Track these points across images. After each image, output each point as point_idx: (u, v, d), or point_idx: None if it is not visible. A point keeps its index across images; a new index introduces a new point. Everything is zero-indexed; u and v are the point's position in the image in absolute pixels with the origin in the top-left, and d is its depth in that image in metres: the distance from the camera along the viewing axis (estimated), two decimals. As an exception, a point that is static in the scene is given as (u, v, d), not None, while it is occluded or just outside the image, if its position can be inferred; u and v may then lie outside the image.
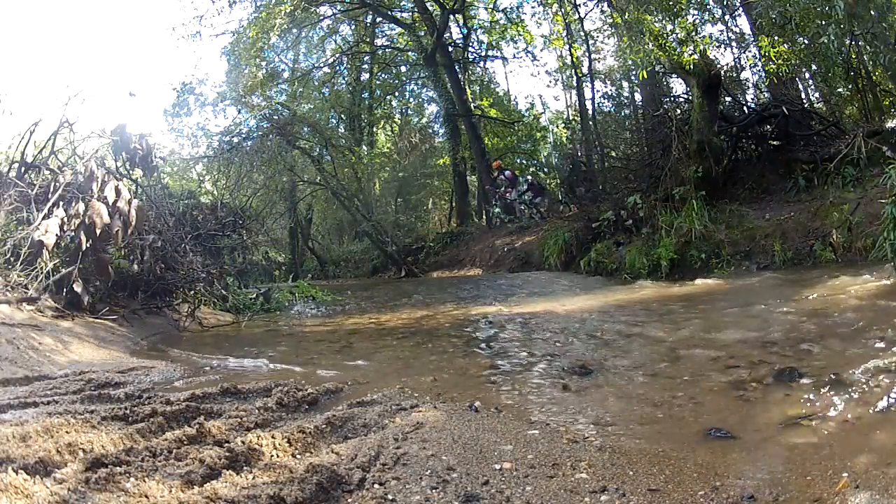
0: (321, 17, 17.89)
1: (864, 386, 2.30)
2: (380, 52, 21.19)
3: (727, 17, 11.86)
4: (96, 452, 1.77)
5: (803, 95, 11.64)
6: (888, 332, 3.08)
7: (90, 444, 1.83)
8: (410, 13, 18.83)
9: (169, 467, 1.68)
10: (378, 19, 19.94)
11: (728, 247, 7.56)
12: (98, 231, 4.79)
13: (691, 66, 8.23)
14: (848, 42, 9.87)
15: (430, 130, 22.59)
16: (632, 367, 3.15)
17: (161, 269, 5.82)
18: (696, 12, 9.91)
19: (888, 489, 1.43)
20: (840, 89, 11.60)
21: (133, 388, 2.77)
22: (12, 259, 4.63)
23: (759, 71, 11.83)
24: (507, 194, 14.76)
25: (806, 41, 9.85)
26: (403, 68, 21.85)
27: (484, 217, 17.92)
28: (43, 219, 4.69)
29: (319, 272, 17.92)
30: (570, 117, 20.29)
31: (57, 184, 4.99)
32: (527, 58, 20.48)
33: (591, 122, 15.89)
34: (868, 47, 10.68)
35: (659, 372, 2.99)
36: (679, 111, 9.83)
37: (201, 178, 16.68)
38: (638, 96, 16.56)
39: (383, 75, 21.99)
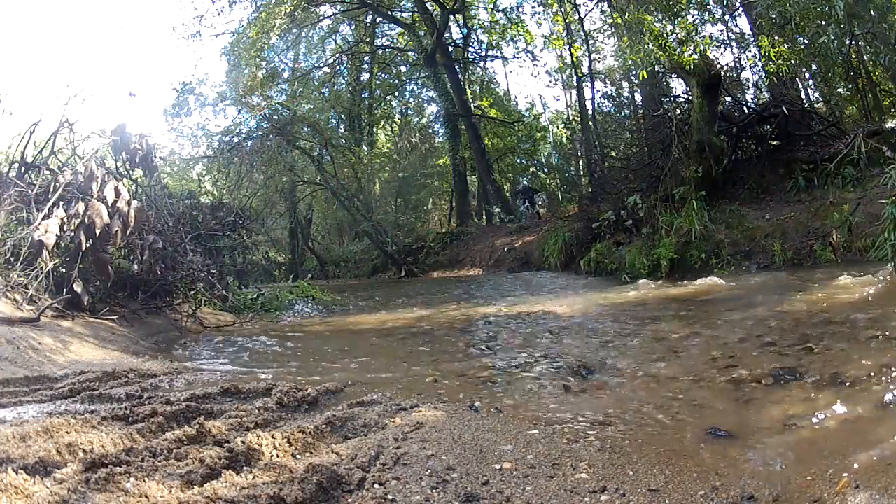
0: (321, 17, 17.91)
1: (864, 385, 2.30)
2: (380, 52, 21.21)
3: (727, 17, 11.86)
4: (96, 452, 1.77)
5: (803, 95, 11.63)
6: (887, 331, 3.08)
7: (90, 444, 1.83)
8: (410, 13, 18.84)
9: (169, 467, 1.68)
10: (378, 19, 19.96)
11: (728, 247, 7.56)
12: (98, 231, 4.79)
13: (691, 66, 8.22)
14: (848, 42, 9.87)
15: (430, 130, 22.59)
16: (632, 367, 3.15)
17: (161, 269, 5.82)
18: (696, 12, 9.90)
19: (888, 489, 1.43)
20: (840, 89, 11.60)
21: (133, 388, 2.77)
22: (12, 259, 4.63)
23: (759, 71, 11.82)
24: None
25: (806, 41, 9.85)
26: (403, 68, 21.87)
27: (484, 217, 17.94)
28: (43, 219, 4.69)
29: (319, 272, 17.92)
30: (570, 117, 20.29)
31: (57, 184, 4.99)
32: (527, 58, 20.52)
33: (591, 122, 15.89)
34: (868, 47, 10.68)
35: (659, 372, 2.99)
36: (679, 111, 9.83)
37: (201, 178, 16.70)
38: (638, 96, 16.56)
39: (383, 75, 22.01)
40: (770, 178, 8.80)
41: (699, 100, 8.66)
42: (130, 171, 6.19)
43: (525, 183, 18.49)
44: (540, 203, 15.78)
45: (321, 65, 19.99)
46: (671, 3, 8.70)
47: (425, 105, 22.91)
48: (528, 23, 19.66)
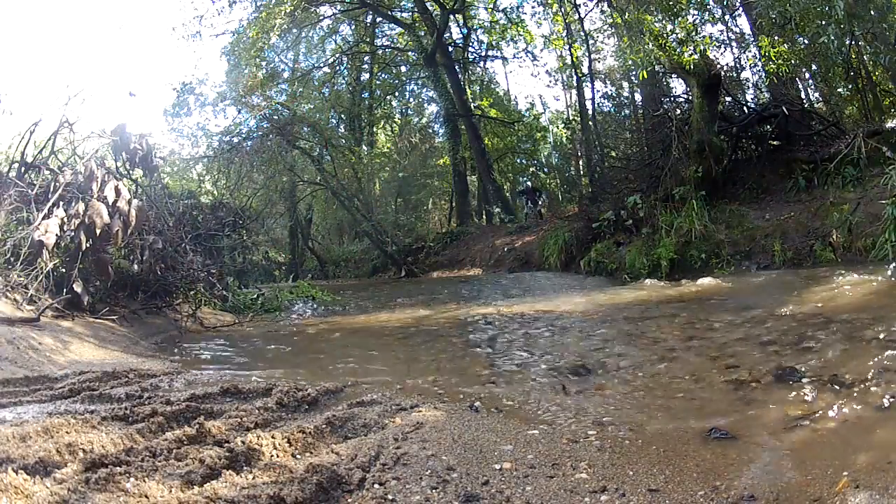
0: (321, 17, 17.91)
1: (864, 386, 2.30)
2: (380, 52, 21.21)
3: (727, 17, 11.86)
4: (96, 452, 1.77)
5: (803, 95, 11.63)
6: (887, 331, 3.08)
7: (90, 444, 1.83)
8: (410, 13, 18.85)
9: (169, 467, 1.68)
10: (378, 19, 19.96)
11: (728, 247, 7.56)
12: (98, 231, 4.79)
13: (691, 66, 8.22)
14: (848, 42, 9.87)
15: (430, 130, 22.61)
16: (632, 367, 3.15)
17: (161, 269, 5.82)
18: (696, 12, 9.90)
19: (888, 489, 1.43)
20: (840, 89, 11.60)
21: (133, 388, 2.77)
22: (12, 259, 4.63)
23: (759, 71, 11.84)
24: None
25: (806, 41, 9.85)
26: (403, 68, 21.88)
27: (484, 217, 17.95)
28: (43, 219, 4.69)
29: (319, 272, 17.93)
30: (570, 117, 20.30)
31: (57, 184, 4.99)
32: (527, 58, 20.53)
33: (591, 122, 15.90)
34: (868, 47, 10.68)
35: (659, 372, 2.99)
36: (679, 111, 9.83)
37: (201, 178, 16.69)
38: (638, 96, 16.57)
39: (383, 75, 22.01)
40: (770, 178, 8.79)
41: (699, 100, 8.66)
42: (130, 171, 6.19)
43: (529, 183, 18.51)
44: (541, 203, 15.76)
45: (321, 65, 20.01)
46: (671, 3, 8.69)
47: (425, 105, 22.95)
48: (528, 23, 19.71)
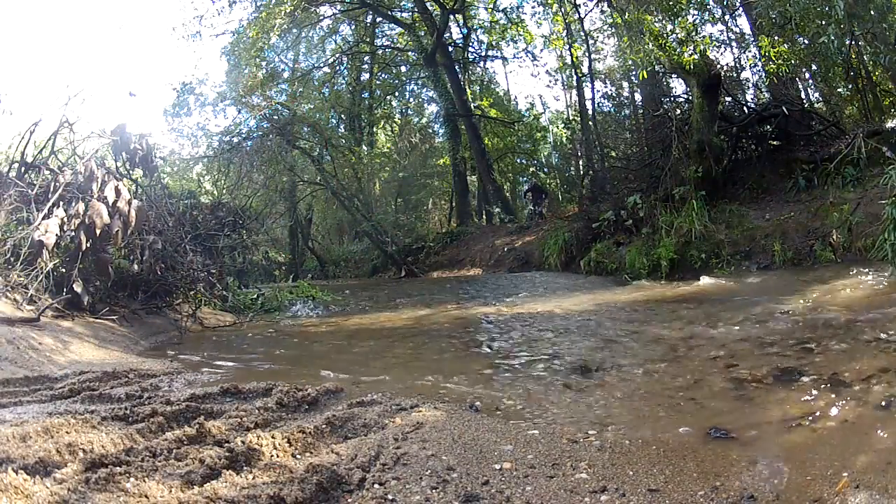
0: (321, 17, 17.92)
1: (864, 386, 2.30)
2: (380, 52, 21.22)
3: (727, 17, 11.84)
4: (96, 452, 1.78)
5: (803, 95, 11.63)
6: (887, 332, 3.08)
7: (90, 444, 1.83)
8: (410, 13, 18.85)
9: (169, 467, 1.68)
10: (378, 19, 19.97)
11: (728, 247, 7.56)
12: (98, 231, 4.79)
13: (691, 66, 8.22)
14: (848, 42, 9.86)
15: (430, 130, 22.62)
16: (632, 366, 3.15)
17: (161, 269, 5.82)
18: (696, 12, 9.89)
19: (888, 489, 1.43)
20: (840, 89, 11.60)
21: (133, 388, 2.77)
22: (12, 259, 4.63)
23: (759, 71, 11.83)
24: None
25: (806, 41, 9.84)
26: (403, 68, 21.89)
27: (484, 217, 17.95)
28: (43, 219, 4.69)
29: (319, 272, 17.92)
30: (570, 117, 20.30)
31: (57, 184, 4.99)
32: (527, 58, 20.55)
33: (591, 122, 15.89)
34: (868, 47, 10.68)
35: (659, 372, 2.99)
36: (679, 111, 9.83)
37: (201, 178, 16.69)
38: (638, 96, 16.57)
39: (383, 75, 22.02)
40: (770, 178, 8.80)
41: (699, 100, 8.66)
42: (130, 171, 6.18)
43: (534, 181, 18.52)
44: (544, 204, 15.77)
45: (321, 65, 20.02)
46: (671, 3, 8.69)
47: (425, 105, 22.97)
48: (528, 23, 19.70)
